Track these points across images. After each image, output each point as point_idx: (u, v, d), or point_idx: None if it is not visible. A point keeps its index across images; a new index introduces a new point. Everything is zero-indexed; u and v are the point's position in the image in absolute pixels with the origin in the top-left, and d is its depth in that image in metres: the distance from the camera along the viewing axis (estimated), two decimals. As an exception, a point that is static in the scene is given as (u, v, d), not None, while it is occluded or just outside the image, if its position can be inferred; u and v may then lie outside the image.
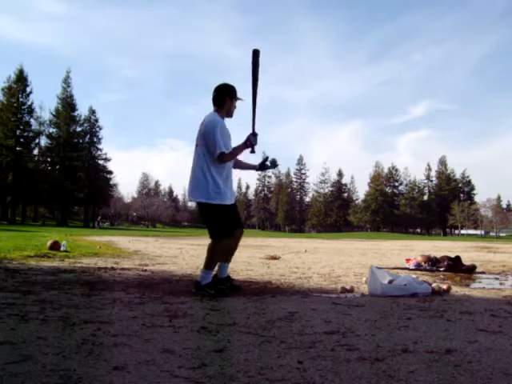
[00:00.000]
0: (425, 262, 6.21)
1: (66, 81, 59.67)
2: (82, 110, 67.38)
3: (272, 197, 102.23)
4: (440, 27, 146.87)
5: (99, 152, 64.17)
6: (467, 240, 41.14)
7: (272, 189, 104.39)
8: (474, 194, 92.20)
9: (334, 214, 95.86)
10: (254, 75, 3.51)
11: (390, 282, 3.79)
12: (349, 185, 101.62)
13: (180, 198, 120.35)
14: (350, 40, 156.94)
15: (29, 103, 53.75)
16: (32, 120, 55.42)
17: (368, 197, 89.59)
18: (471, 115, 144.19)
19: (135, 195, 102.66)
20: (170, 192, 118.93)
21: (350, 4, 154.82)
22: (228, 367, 1.65)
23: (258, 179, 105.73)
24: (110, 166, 71.80)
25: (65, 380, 1.48)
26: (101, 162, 64.76)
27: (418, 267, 6.14)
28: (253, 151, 3.53)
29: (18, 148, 52.79)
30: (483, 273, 6.00)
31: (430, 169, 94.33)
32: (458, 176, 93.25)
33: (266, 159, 3.70)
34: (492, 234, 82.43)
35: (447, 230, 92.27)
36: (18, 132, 52.79)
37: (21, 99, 52.72)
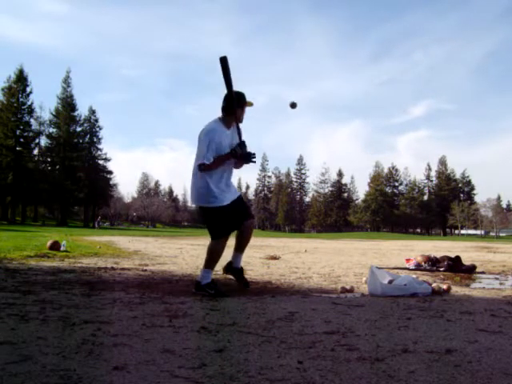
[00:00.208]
0: (425, 262, 6.21)
1: (66, 81, 59.75)
2: (81, 110, 67.40)
3: (272, 197, 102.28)
4: (441, 26, 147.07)
5: (99, 152, 64.27)
6: (467, 240, 41.14)
7: (272, 189, 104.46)
8: (474, 194, 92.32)
9: (334, 213, 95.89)
10: (227, 83, 3.47)
11: (390, 281, 3.79)
12: (349, 185, 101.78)
13: (180, 198, 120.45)
14: (350, 39, 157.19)
15: (29, 103, 53.87)
16: (32, 120, 55.57)
17: (368, 197, 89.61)
18: (472, 115, 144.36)
19: (135, 195, 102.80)
20: (170, 192, 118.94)
21: (350, 3, 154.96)
22: (228, 367, 1.65)
23: (258, 179, 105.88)
24: (110, 165, 71.98)
25: (65, 380, 1.48)
26: (101, 162, 64.85)
27: (418, 267, 6.14)
28: (247, 161, 3.48)
29: (18, 148, 52.83)
30: (483, 273, 6.00)
31: (430, 169, 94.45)
32: (458, 176, 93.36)
33: (241, 145, 3.48)
34: (492, 233, 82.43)
35: (447, 229, 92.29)
36: (18, 132, 52.84)
37: (21, 99, 52.77)
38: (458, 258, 6.18)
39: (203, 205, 3.52)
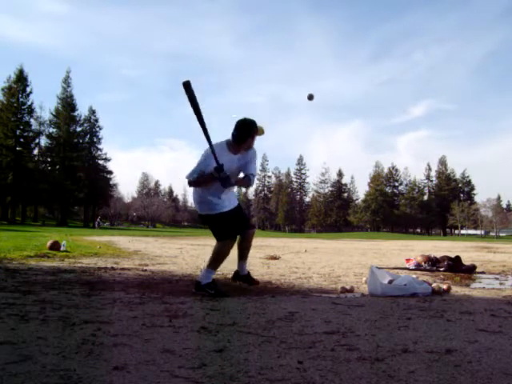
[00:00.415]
0: (425, 262, 6.21)
1: (66, 81, 59.72)
2: (81, 110, 67.24)
3: (272, 197, 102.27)
4: (441, 26, 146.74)
5: (99, 152, 64.22)
6: (467, 240, 41.15)
7: (272, 189, 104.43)
8: (474, 194, 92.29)
9: (334, 213, 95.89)
10: (194, 108, 3.40)
11: (390, 281, 3.79)
12: (349, 185, 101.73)
13: (180, 198, 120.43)
14: (350, 39, 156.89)
15: (29, 103, 53.83)
16: (32, 120, 55.52)
17: (368, 197, 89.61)
18: (472, 115, 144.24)
19: (135, 195, 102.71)
20: (170, 192, 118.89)
21: (350, 3, 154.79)
22: (228, 367, 1.65)
23: (258, 179, 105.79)
24: (110, 166, 71.85)
25: (65, 380, 1.48)
26: (101, 162, 64.81)
27: (418, 267, 6.14)
28: (224, 184, 3.38)
29: (18, 148, 52.82)
30: (483, 273, 6.00)
31: (430, 169, 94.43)
32: (458, 176, 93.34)
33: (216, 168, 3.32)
34: (492, 233, 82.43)
35: (447, 229, 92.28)
36: (18, 132, 52.82)
37: (21, 99, 52.75)
38: (457, 258, 6.18)
39: (206, 213, 3.63)
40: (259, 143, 3.53)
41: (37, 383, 1.44)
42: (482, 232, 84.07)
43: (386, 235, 57.78)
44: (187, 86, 3.37)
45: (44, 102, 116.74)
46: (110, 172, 66.09)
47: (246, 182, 3.58)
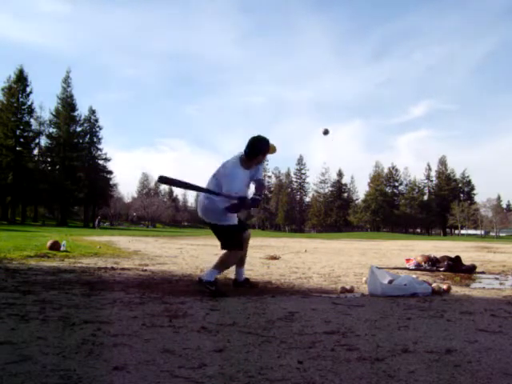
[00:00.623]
0: (425, 262, 6.21)
1: (66, 81, 59.72)
2: (82, 110, 67.21)
3: (272, 197, 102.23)
4: (441, 26, 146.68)
5: (99, 152, 64.22)
6: (467, 240, 41.14)
7: (272, 189, 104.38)
8: (474, 194, 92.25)
9: (334, 214, 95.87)
10: (186, 187, 3.70)
11: (390, 281, 3.79)
12: (349, 185, 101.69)
13: (180, 198, 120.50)
14: (350, 39, 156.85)
15: (29, 103, 53.83)
16: (32, 120, 55.53)
17: (368, 197, 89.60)
18: (472, 115, 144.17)
19: (135, 195, 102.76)
20: (170, 192, 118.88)
21: (350, 3, 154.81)
22: (228, 367, 1.65)
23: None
24: (110, 166, 71.68)
25: (65, 380, 1.48)
26: (101, 162, 64.80)
27: (418, 267, 6.14)
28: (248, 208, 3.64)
29: (18, 148, 52.81)
30: (483, 273, 6.00)
31: (430, 169, 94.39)
32: (458, 176, 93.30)
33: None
34: (492, 234, 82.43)
35: (447, 229, 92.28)
36: (18, 132, 52.82)
37: (21, 99, 52.75)
38: (457, 258, 6.18)
39: (214, 222, 3.68)
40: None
41: (37, 383, 1.44)
42: (482, 232, 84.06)
43: (386, 235, 57.78)
44: (164, 179, 3.61)
45: (44, 102, 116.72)
46: (110, 172, 66.13)
47: (262, 190, 3.73)
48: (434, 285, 3.89)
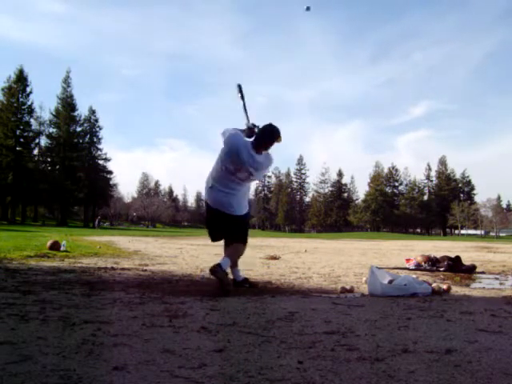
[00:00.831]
0: (425, 262, 6.21)
1: (66, 81, 59.76)
2: (81, 110, 67.11)
3: (272, 197, 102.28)
4: (440, 27, 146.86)
5: (99, 152, 64.30)
6: (467, 240, 41.13)
7: (272, 189, 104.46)
8: (474, 194, 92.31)
9: (334, 214, 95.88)
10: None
11: (390, 281, 3.78)
12: (349, 185, 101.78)
13: (180, 198, 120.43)
14: (350, 40, 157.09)
15: (29, 103, 53.90)
16: (32, 120, 55.61)
17: (368, 197, 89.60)
18: (471, 115, 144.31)
19: (135, 195, 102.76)
20: (170, 192, 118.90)
21: (350, 4, 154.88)
22: (228, 367, 1.65)
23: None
24: (110, 166, 71.67)
25: (65, 380, 1.48)
26: (101, 162, 64.87)
27: (418, 267, 6.14)
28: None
29: (18, 148, 52.84)
30: (483, 273, 6.00)
31: (430, 169, 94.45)
32: (458, 176, 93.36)
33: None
34: (492, 234, 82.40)
35: (447, 229, 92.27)
36: (18, 132, 52.85)
37: (21, 99, 52.78)
38: (457, 258, 6.18)
39: (229, 212, 3.76)
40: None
41: (37, 383, 1.44)
42: (482, 232, 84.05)
43: (386, 235, 57.77)
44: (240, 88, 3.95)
45: (44, 102, 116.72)
46: (110, 172, 66.19)
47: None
48: (434, 285, 3.89)
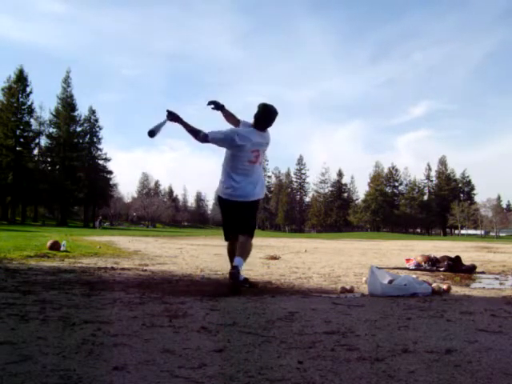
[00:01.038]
0: (425, 262, 6.20)
1: (66, 81, 59.72)
2: (81, 110, 67.05)
3: (272, 197, 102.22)
4: (440, 27, 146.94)
5: (99, 152, 64.26)
6: (467, 240, 41.13)
7: (272, 189, 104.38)
8: (474, 194, 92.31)
9: (334, 214, 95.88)
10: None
11: (390, 281, 3.78)
12: (349, 185, 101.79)
13: (180, 198, 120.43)
14: (350, 40, 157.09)
15: (29, 103, 53.86)
16: (32, 120, 55.57)
17: (368, 197, 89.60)
18: (471, 115, 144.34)
19: (135, 195, 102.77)
20: (170, 192, 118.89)
21: (350, 4, 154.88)
22: (228, 367, 1.65)
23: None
24: (110, 166, 71.60)
25: (65, 380, 1.48)
26: (101, 162, 64.84)
27: (418, 267, 6.14)
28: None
29: (18, 148, 52.83)
30: (483, 273, 6.00)
31: (430, 169, 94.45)
32: (458, 176, 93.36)
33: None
34: (492, 233, 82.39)
35: (447, 229, 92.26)
36: (18, 132, 52.83)
37: (21, 99, 52.76)
38: (457, 258, 6.18)
39: (254, 198, 3.85)
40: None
41: (37, 383, 1.44)
42: (482, 232, 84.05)
43: (386, 235, 57.77)
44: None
45: (44, 102, 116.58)
46: (110, 172, 66.16)
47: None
48: (434, 285, 3.89)
